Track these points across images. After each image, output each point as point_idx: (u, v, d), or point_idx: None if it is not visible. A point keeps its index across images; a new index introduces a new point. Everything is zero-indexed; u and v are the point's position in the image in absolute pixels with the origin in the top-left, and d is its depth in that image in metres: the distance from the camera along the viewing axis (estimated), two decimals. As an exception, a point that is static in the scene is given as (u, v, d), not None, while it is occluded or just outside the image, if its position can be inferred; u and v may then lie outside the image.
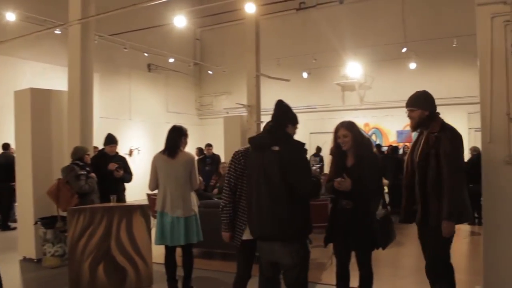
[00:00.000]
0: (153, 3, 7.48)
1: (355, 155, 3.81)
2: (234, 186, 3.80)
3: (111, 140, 6.98)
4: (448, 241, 3.58)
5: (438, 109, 3.78)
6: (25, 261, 6.87)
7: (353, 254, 3.93)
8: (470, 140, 12.53)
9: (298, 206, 3.35)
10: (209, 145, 11.80)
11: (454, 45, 13.83)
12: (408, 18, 15.37)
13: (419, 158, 3.62)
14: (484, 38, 4.49)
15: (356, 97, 16.78)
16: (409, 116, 3.76)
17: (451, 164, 3.45)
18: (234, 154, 3.88)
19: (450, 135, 3.55)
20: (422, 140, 3.67)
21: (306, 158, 3.46)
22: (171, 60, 16.85)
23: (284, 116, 3.53)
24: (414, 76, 14.74)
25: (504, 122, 4.41)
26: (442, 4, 14.83)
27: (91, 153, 6.97)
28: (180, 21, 9.62)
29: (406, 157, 3.97)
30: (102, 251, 5.00)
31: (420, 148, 3.66)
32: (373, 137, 16.22)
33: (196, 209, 5.03)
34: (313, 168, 3.78)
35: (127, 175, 6.98)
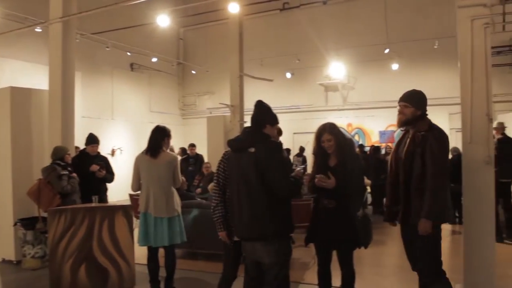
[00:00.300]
0: (135, 2, 7.40)
1: (338, 155, 3.84)
2: (223, 186, 3.83)
3: (92, 139, 6.91)
4: (438, 240, 3.62)
5: (421, 110, 3.80)
6: (4, 263, 6.74)
7: (334, 253, 3.95)
8: (451, 140, 12.59)
9: (277, 206, 3.39)
10: (192, 145, 11.76)
11: (435, 47, 14.00)
12: (391, 19, 15.52)
13: (405, 157, 3.63)
14: (464, 40, 4.56)
15: (339, 97, 16.87)
16: (401, 112, 3.73)
17: (436, 164, 3.47)
18: (223, 154, 3.92)
19: (437, 135, 3.57)
20: (408, 139, 3.68)
21: (282, 158, 3.48)
22: (154, 59, 16.73)
23: (262, 116, 3.55)
24: (396, 77, 14.87)
25: (484, 122, 4.49)
26: (424, 6, 15.00)
27: (72, 153, 6.89)
28: (163, 20, 9.57)
29: (390, 155, 3.99)
30: (84, 252, 4.95)
31: (406, 147, 3.66)
32: (356, 137, 16.31)
33: (179, 209, 5.01)
34: (297, 169, 3.76)
35: (109, 175, 6.93)
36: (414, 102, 3.70)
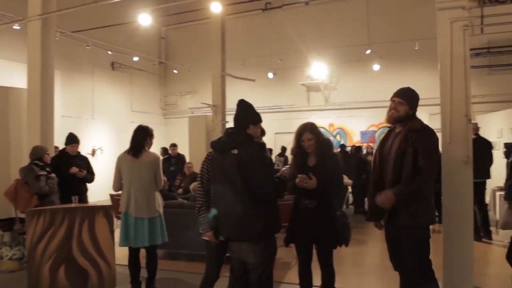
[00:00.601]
0: (116, 0, 7.33)
1: (317, 155, 3.86)
2: (207, 186, 3.81)
3: (72, 139, 6.82)
4: (427, 240, 3.63)
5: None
6: (-19, 265, 6.61)
7: (315, 253, 3.97)
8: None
9: (262, 206, 3.39)
10: (174, 145, 11.69)
11: (416, 48, 14.14)
12: (372, 20, 15.68)
13: (396, 155, 3.57)
14: (444, 42, 4.63)
15: (321, 97, 16.97)
16: (394, 108, 3.65)
17: (427, 164, 3.45)
18: (206, 155, 3.91)
19: (431, 135, 3.56)
20: (400, 137, 3.61)
21: (265, 159, 3.47)
22: (136, 58, 16.58)
23: (245, 116, 3.54)
24: (377, 78, 15.00)
25: (463, 123, 4.56)
26: (405, 8, 15.15)
27: (52, 153, 6.79)
28: (144, 19, 9.48)
29: (374, 154, 3.94)
30: (63, 253, 4.87)
31: (397, 145, 3.59)
32: (338, 138, 16.44)
33: (160, 210, 4.98)
34: (283, 169, 3.80)
35: (90, 175, 6.85)
36: (410, 101, 3.64)
